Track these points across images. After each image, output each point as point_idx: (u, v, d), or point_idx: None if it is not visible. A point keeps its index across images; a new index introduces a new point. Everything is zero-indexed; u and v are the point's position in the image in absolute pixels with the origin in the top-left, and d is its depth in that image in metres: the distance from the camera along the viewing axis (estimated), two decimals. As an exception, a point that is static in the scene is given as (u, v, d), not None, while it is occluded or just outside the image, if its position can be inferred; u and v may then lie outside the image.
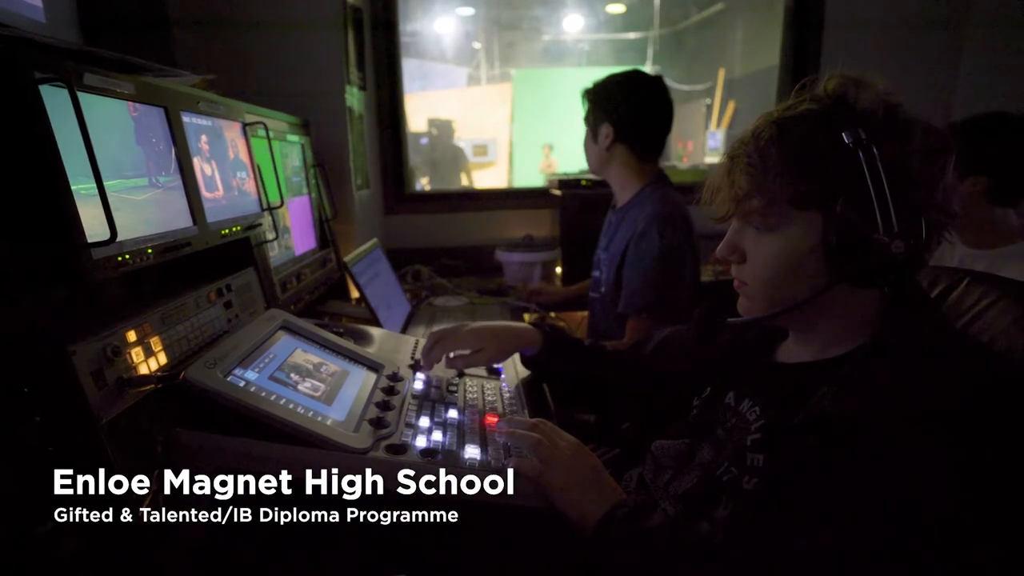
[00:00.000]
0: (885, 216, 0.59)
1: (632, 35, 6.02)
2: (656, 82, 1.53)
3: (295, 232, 1.51)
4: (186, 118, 0.89)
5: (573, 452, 0.72)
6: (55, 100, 0.60)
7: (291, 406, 0.71)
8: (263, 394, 0.71)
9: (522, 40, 6.18)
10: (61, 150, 0.59)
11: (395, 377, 0.91)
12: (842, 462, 0.56)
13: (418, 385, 0.91)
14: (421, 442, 0.74)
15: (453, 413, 0.83)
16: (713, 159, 4.73)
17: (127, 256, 0.69)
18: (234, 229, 1.00)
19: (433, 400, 0.87)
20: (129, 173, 0.73)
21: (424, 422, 0.79)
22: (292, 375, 0.80)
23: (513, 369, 1.06)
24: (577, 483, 0.70)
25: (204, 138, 0.96)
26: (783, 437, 0.65)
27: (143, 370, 0.74)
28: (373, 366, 0.94)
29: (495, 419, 0.83)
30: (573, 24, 6.04)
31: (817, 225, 0.63)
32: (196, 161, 0.91)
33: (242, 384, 0.71)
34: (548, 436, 0.73)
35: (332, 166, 1.85)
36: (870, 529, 0.53)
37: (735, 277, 0.72)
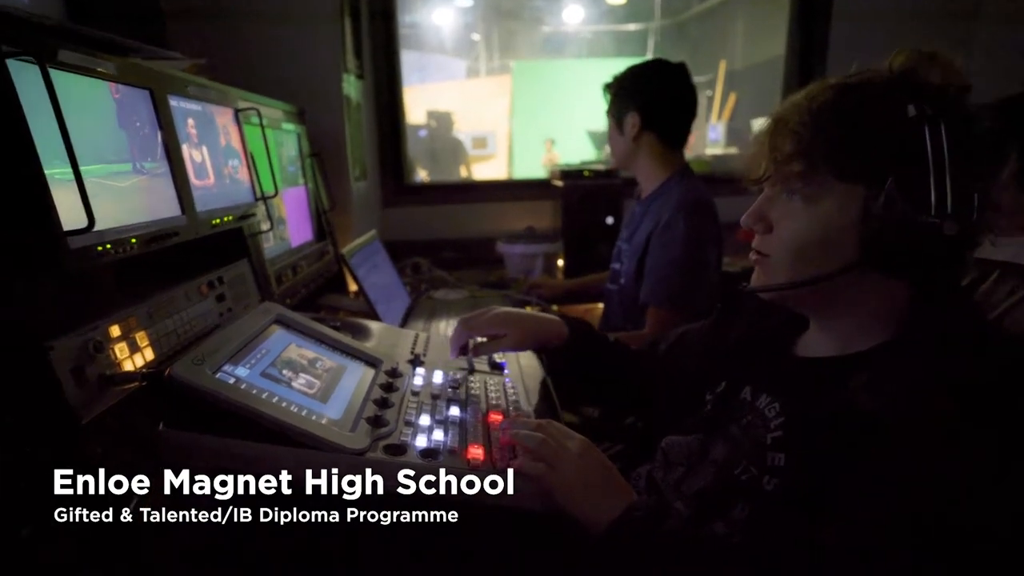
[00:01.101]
0: (940, 197, 0.55)
1: (633, 26, 5.95)
2: (679, 68, 1.51)
3: (291, 223, 1.47)
4: (174, 102, 0.85)
5: (581, 452, 0.69)
6: (27, 78, 0.56)
7: (284, 404, 0.67)
8: (254, 392, 0.67)
9: (522, 31, 6.11)
10: (33, 131, 0.55)
11: (394, 373, 0.87)
12: (872, 464, 0.53)
13: (418, 381, 0.87)
14: (421, 442, 0.70)
15: (455, 411, 0.79)
16: (715, 151, 4.69)
17: (108, 246, 0.65)
18: (226, 219, 0.96)
19: (434, 397, 0.83)
20: (111, 158, 0.68)
21: (424, 420, 0.75)
22: (285, 371, 0.76)
23: (517, 364, 1.03)
24: (586, 485, 0.66)
25: (193, 123, 0.91)
26: (807, 435, 0.61)
27: (128, 367, 0.70)
28: (371, 361, 0.90)
29: (499, 417, 0.80)
30: (573, 15, 5.97)
31: (858, 200, 0.59)
32: (185, 147, 0.87)
33: (232, 381, 0.67)
34: (554, 436, 0.69)
35: (329, 156, 1.80)
36: (900, 535, 0.50)
37: (755, 248, 0.68)
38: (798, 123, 0.61)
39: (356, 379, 0.83)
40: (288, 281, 1.31)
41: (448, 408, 0.79)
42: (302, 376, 0.77)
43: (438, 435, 0.72)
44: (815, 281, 0.62)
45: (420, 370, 0.91)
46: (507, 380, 0.94)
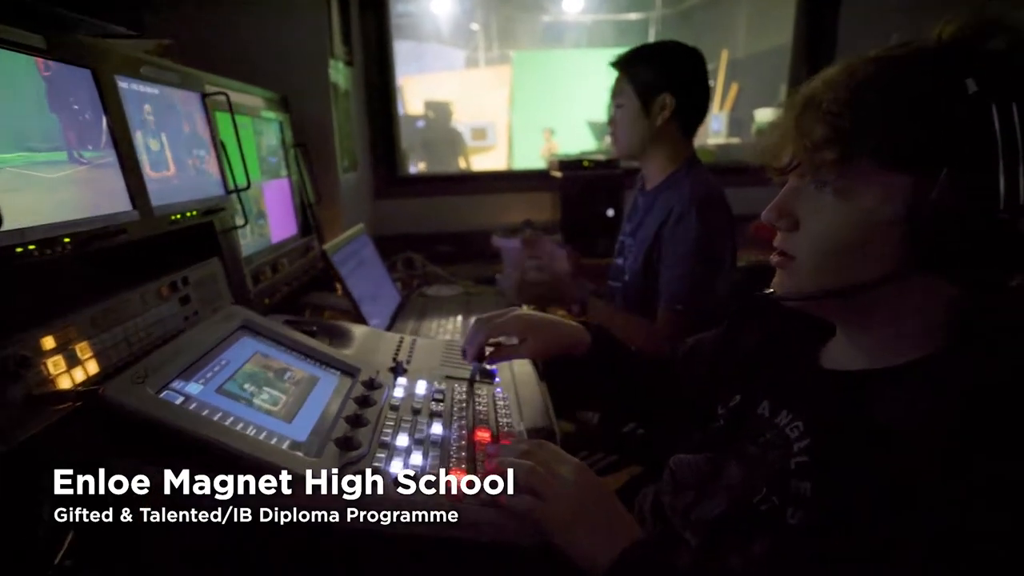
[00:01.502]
0: (1012, 188, 0.46)
1: (634, 15, 5.85)
2: (700, 53, 1.39)
3: (272, 218, 1.39)
4: (123, 84, 0.76)
5: (576, 480, 0.60)
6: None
7: (239, 426, 0.59)
8: (205, 413, 0.59)
9: (521, 19, 6.00)
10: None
11: (372, 384, 0.78)
12: (916, 496, 0.45)
13: (398, 392, 0.79)
14: (397, 467, 0.62)
15: (437, 428, 0.71)
16: (716, 141, 4.60)
17: (31, 247, 0.56)
18: (188, 214, 0.87)
19: (415, 411, 0.74)
20: (38, 145, 0.60)
21: (402, 440, 0.67)
22: (247, 386, 0.68)
23: (509, 371, 0.94)
24: (581, 519, 0.58)
25: (150, 108, 0.83)
26: (837, 461, 0.53)
27: (64, 383, 0.62)
28: (348, 370, 0.82)
29: (486, 435, 0.71)
30: (573, 3, 5.87)
31: (904, 193, 0.50)
32: (139, 135, 0.79)
33: (179, 401, 0.59)
34: (545, 463, 0.61)
35: (316, 147, 1.71)
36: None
37: (778, 248, 0.59)
38: (832, 102, 0.51)
39: (328, 392, 0.75)
40: (266, 280, 1.22)
41: (430, 425, 0.71)
42: (266, 391, 0.69)
43: (416, 459, 0.64)
44: (853, 290, 0.54)
45: (402, 380, 0.83)
46: (498, 391, 0.85)
